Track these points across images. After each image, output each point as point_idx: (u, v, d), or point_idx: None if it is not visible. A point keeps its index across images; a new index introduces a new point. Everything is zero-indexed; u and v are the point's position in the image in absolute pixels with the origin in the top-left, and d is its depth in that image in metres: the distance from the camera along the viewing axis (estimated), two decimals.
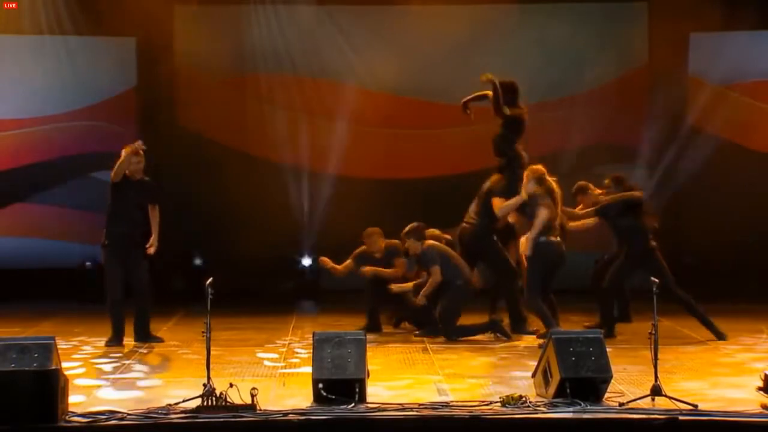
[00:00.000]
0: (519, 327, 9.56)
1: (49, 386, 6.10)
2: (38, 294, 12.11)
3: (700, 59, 13.12)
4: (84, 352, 8.98)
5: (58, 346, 6.74)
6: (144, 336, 9.23)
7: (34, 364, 6.43)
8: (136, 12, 12.26)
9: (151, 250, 9.24)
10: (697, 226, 12.73)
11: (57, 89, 12.99)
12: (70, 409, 6.38)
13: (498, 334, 9.39)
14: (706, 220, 12.65)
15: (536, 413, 6.36)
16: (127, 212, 9.21)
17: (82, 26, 12.80)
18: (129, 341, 9.27)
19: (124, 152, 9.17)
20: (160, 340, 9.29)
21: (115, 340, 9.12)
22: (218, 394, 6.37)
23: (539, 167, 9.25)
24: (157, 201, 9.42)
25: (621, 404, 6.52)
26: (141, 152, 9.27)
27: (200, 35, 12.90)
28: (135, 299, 9.23)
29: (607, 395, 6.68)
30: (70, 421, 6.20)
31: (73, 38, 12.88)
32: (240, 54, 13.12)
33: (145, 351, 8.99)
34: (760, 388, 6.69)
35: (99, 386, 7.44)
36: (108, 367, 8.31)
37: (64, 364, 6.98)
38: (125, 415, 6.28)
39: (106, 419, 6.23)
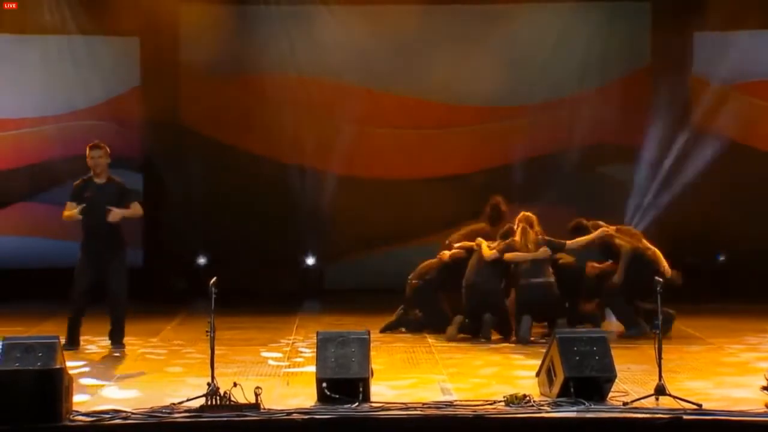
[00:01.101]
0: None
1: (53, 385, 6.11)
2: (42, 293, 12.10)
3: (703, 59, 13.09)
4: (88, 351, 8.99)
5: (62, 346, 6.75)
6: (117, 341, 9.04)
7: (38, 364, 6.44)
8: (141, 11, 12.27)
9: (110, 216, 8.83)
10: (700, 225, 12.71)
11: (61, 89, 12.97)
12: (75, 408, 6.39)
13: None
14: (710, 219, 12.62)
15: (540, 413, 6.36)
16: (94, 217, 8.89)
17: (87, 26, 12.79)
18: (132, 340, 9.27)
19: (65, 214, 8.98)
20: (123, 347, 9.00)
21: (70, 344, 8.75)
22: (222, 394, 6.38)
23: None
24: (127, 200, 9.02)
25: (625, 403, 6.52)
26: (106, 147, 9.02)
27: (205, 35, 12.88)
28: (110, 305, 9.03)
29: (611, 394, 6.68)
30: (75, 420, 6.21)
31: (77, 38, 12.87)
32: (244, 53, 13.10)
33: (144, 351, 9.01)
34: (764, 388, 6.69)
35: (103, 385, 7.44)
36: (112, 367, 8.31)
37: (69, 364, 6.98)
38: (129, 414, 6.29)
39: (110, 418, 6.24)
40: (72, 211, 8.99)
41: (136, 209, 9.14)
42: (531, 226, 9.50)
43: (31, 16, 12.68)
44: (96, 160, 9.02)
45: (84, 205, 8.94)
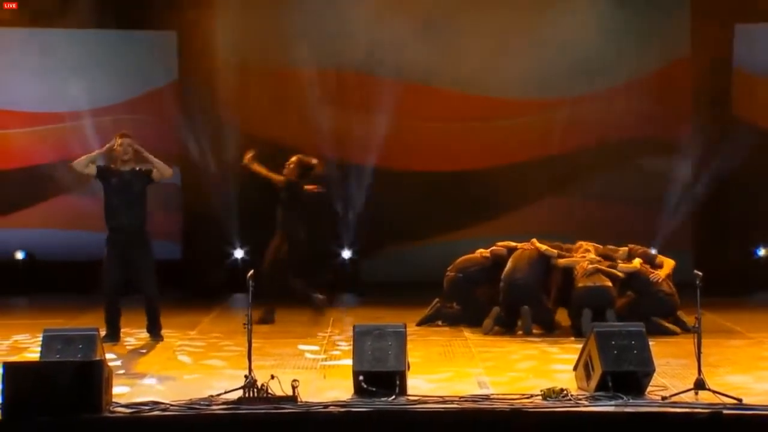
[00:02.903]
0: None
1: (93, 377, 6.15)
2: (83, 286, 12.20)
3: (745, 50, 12.94)
4: (127, 343, 9.06)
5: (102, 338, 6.81)
6: (154, 332, 9.11)
7: (79, 355, 6.51)
8: (179, 5, 12.32)
9: None
10: (741, 218, 12.58)
11: (99, 83, 13.08)
12: (114, 399, 6.44)
13: None
14: (751, 212, 12.50)
15: (578, 407, 6.33)
16: (116, 205, 8.94)
17: (124, 20, 12.88)
18: (170, 333, 9.34)
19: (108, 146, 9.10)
20: (161, 339, 9.08)
21: (110, 337, 8.83)
22: (260, 386, 6.41)
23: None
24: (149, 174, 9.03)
25: (664, 398, 6.47)
26: (127, 147, 9.02)
27: (242, 28, 12.91)
28: (144, 303, 9.09)
29: (649, 389, 6.63)
30: (114, 412, 6.26)
31: (115, 32, 12.97)
32: (282, 47, 13.12)
33: (182, 343, 9.06)
34: None
35: (142, 377, 7.50)
36: (150, 359, 8.38)
37: (108, 356, 7.05)
38: (168, 405, 6.34)
39: (150, 410, 6.29)
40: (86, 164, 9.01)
41: (162, 164, 9.04)
42: (589, 251, 9.75)
43: (70, 10, 12.78)
44: (125, 147, 9.03)
45: (96, 164, 9.03)
